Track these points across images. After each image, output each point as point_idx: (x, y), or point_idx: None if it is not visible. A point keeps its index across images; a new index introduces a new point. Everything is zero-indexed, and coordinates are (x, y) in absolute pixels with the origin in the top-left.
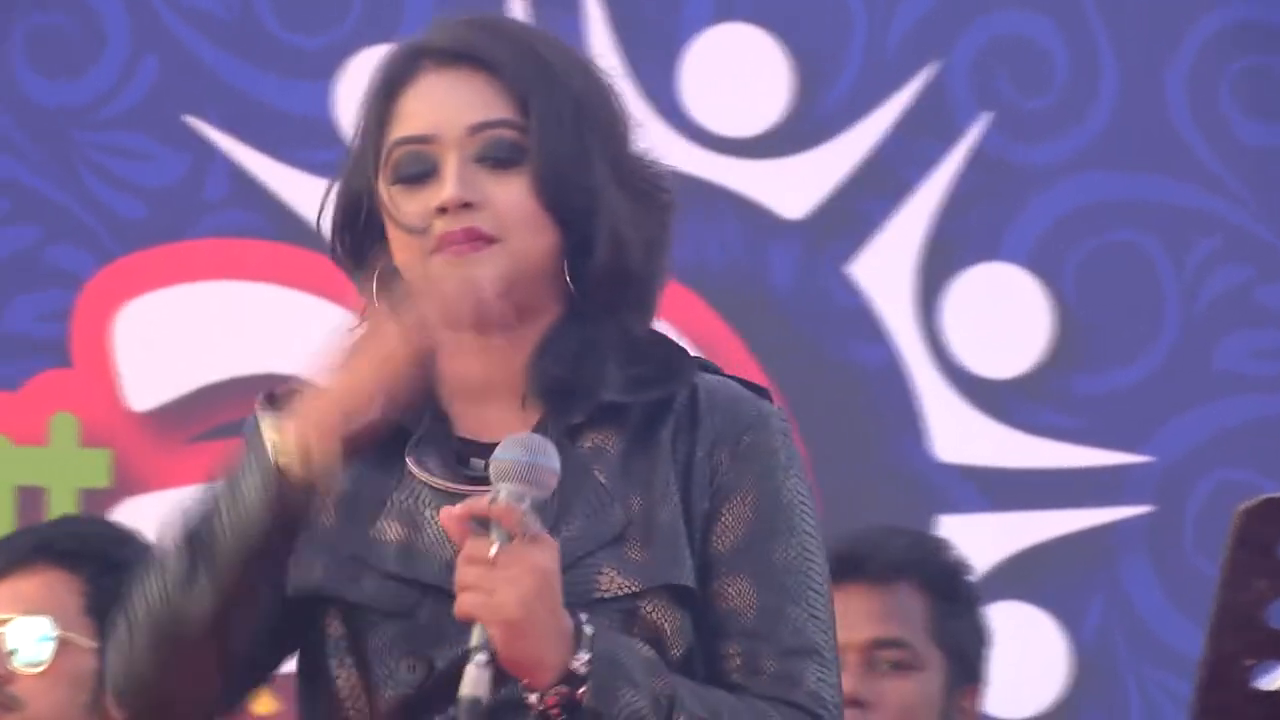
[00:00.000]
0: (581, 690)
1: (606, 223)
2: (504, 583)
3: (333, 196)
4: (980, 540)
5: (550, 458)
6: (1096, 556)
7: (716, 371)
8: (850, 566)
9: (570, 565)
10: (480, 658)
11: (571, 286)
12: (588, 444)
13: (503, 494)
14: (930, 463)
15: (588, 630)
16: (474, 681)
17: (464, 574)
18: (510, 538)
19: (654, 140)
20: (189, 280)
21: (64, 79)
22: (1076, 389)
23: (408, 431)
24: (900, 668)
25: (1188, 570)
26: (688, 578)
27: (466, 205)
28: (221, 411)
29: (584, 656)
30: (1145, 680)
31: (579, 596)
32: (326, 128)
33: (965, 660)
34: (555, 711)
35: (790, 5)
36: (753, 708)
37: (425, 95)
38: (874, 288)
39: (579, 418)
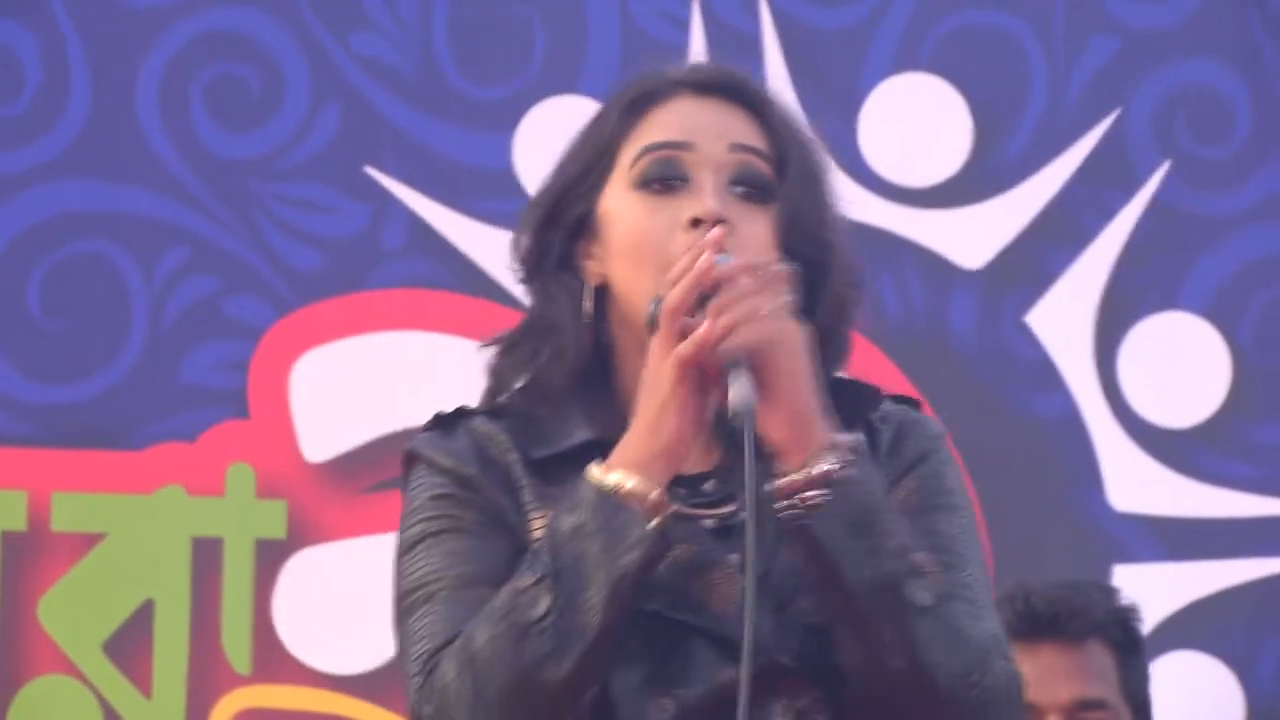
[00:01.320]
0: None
1: (835, 286)
2: (768, 300)
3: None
4: (1157, 590)
5: None
6: (1273, 606)
7: None
8: (1043, 626)
9: (808, 589)
10: (741, 367)
11: None
12: None
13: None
14: (1108, 513)
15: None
16: (744, 392)
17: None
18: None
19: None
20: (366, 331)
21: (243, 130)
22: (1254, 438)
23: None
24: None
25: None
26: None
27: (722, 222)
28: (396, 463)
29: (846, 436)
30: None
31: (797, 630)
32: (506, 179)
33: (1143, 709)
34: (797, 510)
35: (971, 55)
36: None
37: (682, 112)
38: (1053, 338)
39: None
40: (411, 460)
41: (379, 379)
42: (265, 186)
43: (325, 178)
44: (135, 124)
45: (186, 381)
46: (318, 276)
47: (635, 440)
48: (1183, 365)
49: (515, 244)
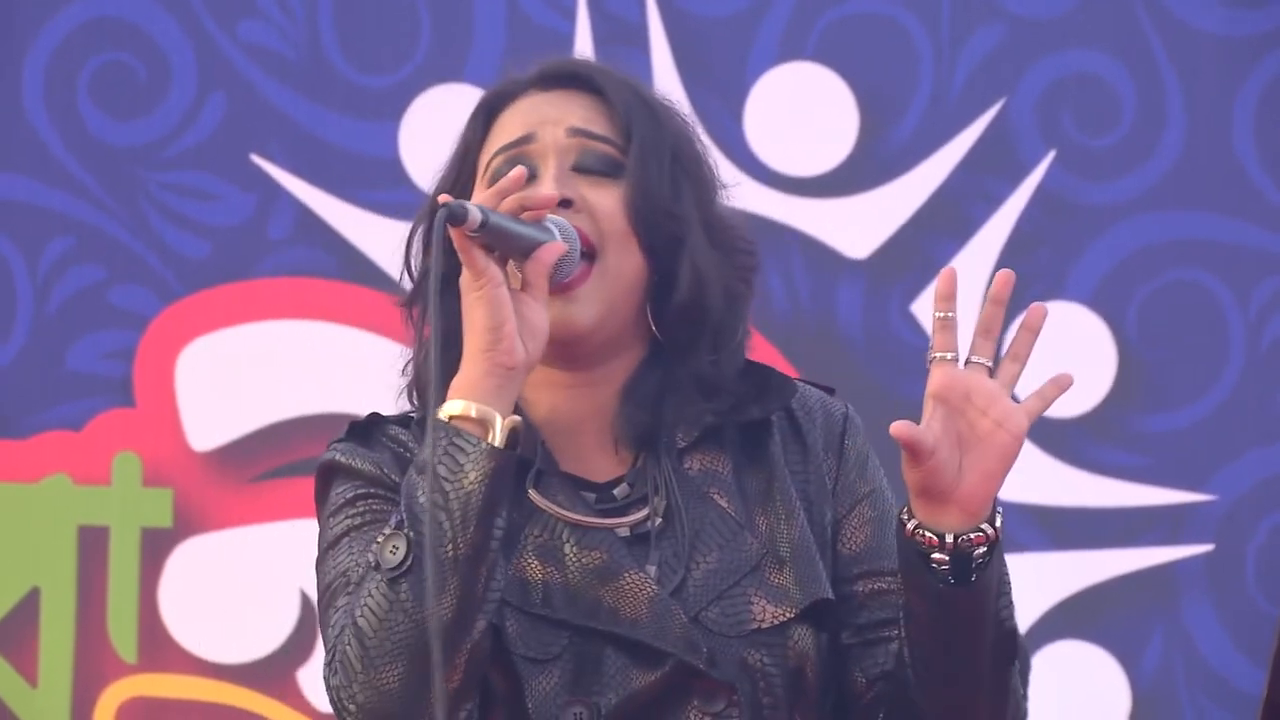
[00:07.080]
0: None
1: (690, 257)
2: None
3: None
4: (1042, 579)
5: None
6: (1157, 595)
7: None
8: None
9: (718, 597)
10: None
11: (654, 325)
12: (698, 466)
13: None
14: None
15: None
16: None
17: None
18: None
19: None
20: (252, 320)
21: (130, 118)
22: (1139, 428)
23: (525, 462)
24: None
25: (1248, 609)
26: (827, 590)
27: (566, 203)
28: (283, 451)
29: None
30: (1205, 719)
31: (735, 628)
32: (392, 167)
33: None
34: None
35: (856, 45)
36: None
37: (525, 108)
38: None
39: (683, 441)
40: (330, 470)
41: (265, 368)
42: (151, 174)
43: (212, 166)
44: (21, 111)
45: (72, 370)
46: (204, 265)
47: (465, 365)
48: (1068, 355)
49: (407, 262)
